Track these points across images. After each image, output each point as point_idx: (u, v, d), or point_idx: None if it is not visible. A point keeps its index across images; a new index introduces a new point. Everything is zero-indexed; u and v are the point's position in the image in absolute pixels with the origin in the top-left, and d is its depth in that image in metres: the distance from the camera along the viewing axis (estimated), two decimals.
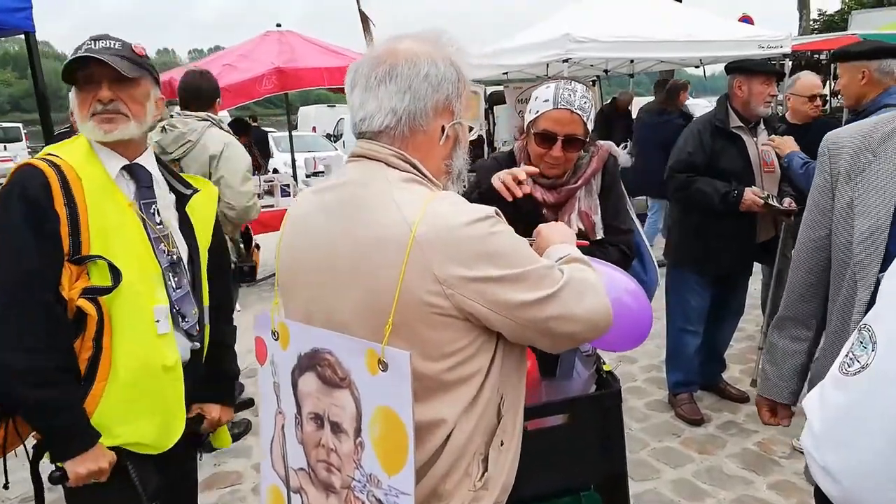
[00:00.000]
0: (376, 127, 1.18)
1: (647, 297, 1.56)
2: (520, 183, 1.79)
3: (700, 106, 13.49)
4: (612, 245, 1.99)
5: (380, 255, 1.09)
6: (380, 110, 1.17)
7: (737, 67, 3.40)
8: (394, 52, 1.17)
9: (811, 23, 19.20)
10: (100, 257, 1.51)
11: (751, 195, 3.24)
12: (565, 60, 7.08)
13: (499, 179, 1.83)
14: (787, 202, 3.35)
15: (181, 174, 1.86)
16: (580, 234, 1.95)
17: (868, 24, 12.55)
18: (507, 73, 8.75)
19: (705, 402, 3.79)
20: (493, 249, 1.08)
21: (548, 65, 8.10)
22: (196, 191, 1.82)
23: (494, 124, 13.06)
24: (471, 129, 1.31)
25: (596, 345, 1.74)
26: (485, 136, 12.25)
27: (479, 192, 2.04)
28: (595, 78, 10.91)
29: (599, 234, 2.01)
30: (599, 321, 1.20)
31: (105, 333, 1.52)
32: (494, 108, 12.75)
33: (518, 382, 1.29)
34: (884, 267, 1.35)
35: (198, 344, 1.75)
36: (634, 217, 2.20)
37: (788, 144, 3.28)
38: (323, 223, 1.20)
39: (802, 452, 3.09)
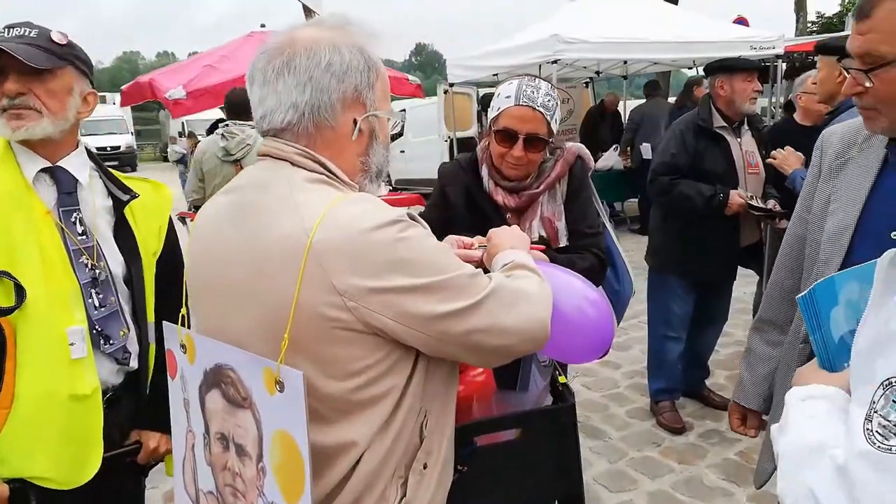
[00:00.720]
0: (277, 124, 1.08)
1: (608, 305, 1.45)
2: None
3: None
4: (584, 250, 1.89)
5: (275, 266, 0.99)
6: (280, 105, 1.07)
7: (717, 67, 3.31)
8: (292, 42, 1.07)
9: (809, 25, 19.13)
10: (3, 273, 1.36)
11: (737, 198, 3.14)
12: (554, 62, 7.01)
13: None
14: (772, 204, 3.25)
15: (127, 176, 1.70)
16: (542, 241, 1.85)
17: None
18: (496, 75, 8.65)
19: (688, 409, 3.69)
20: (400, 256, 0.97)
21: (539, 66, 8.03)
22: (134, 196, 1.63)
23: (486, 126, 13.01)
24: (394, 121, 1.21)
25: (552, 356, 1.64)
26: (477, 138, 12.21)
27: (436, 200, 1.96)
28: (588, 79, 10.84)
29: (563, 241, 1.90)
30: (532, 332, 1.10)
31: (7, 357, 1.37)
32: (487, 110, 12.71)
33: (447, 399, 1.19)
34: (844, 267, 1.27)
35: (134, 365, 1.61)
36: (606, 221, 2.09)
37: (792, 161, 3.11)
38: (221, 230, 1.10)
39: None
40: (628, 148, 8.45)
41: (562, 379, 1.65)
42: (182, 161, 15.20)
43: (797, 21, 18.02)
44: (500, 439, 1.60)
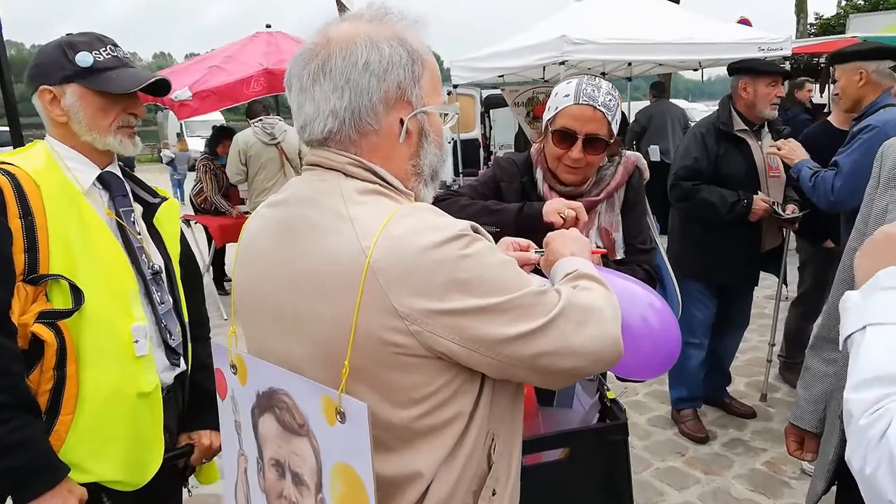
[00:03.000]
0: (318, 134, 0.99)
1: (672, 314, 1.37)
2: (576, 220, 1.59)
3: (697, 110, 13.39)
4: (637, 265, 1.80)
5: (331, 288, 0.91)
6: (318, 114, 0.98)
7: (742, 68, 3.24)
8: (327, 42, 0.98)
9: (808, 27, 19.13)
10: (60, 276, 1.34)
11: (761, 203, 3.08)
12: (562, 63, 6.94)
13: (559, 215, 1.61)
14: (791, 209, 3.19)
15: (146, 183, 1.70)
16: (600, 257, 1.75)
17: (866, 28, 12.46)
18: (502, 76, 8.58)
19: (709, 417, 3.62)
20: (466, 276, 0.89)
21: (544, 67, 7.96)
22: (164, 199, 1.68)
23: (491, 128, 12.95)
24: (449, 114, 1.09)
25: (617, 372, 1.55)
26: (480, 140, 12.14)
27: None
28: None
29: (619, 254, 1.82)
30: (604, 352, 1.01)
31: (69, 361, 1.36)
32: (491, 111, 12.65)
33: (514, 421, 1.11)
34: None
35: (183, 365, 1.61)
36: (657, 236, 2.00)
37: (798, 152, 3.08)
38: (270, 248, 1.02)
39: (809, 474, 2.95)
40: (634, 149, 8.39)
41: (610, 394, 1.58)
42: (171, 164, 15.37)
43: (797, 23, 18.01)
44: (546, 459, 1.53)
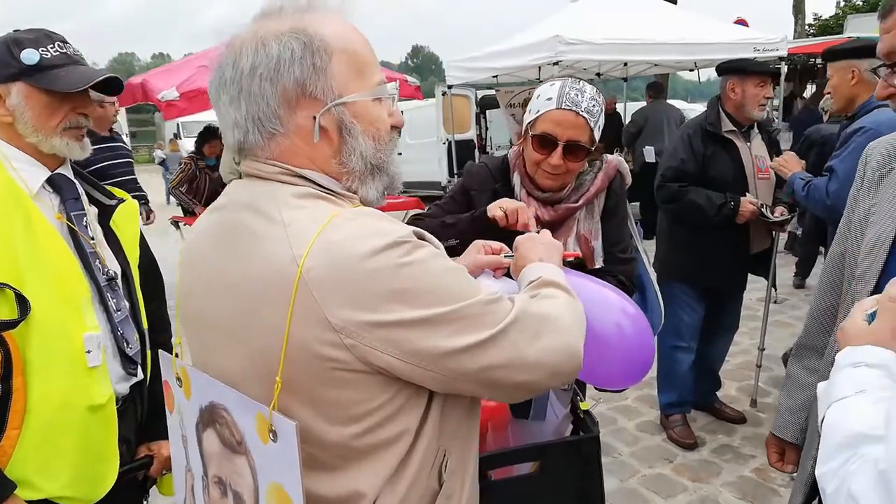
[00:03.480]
0: (232, 147, 0.96)
1: (647, 321, 1.32)
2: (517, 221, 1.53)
3: (696, 111, 13.29)
4: (611, 275, 1.73)
5: (263, 299, 0.86)
6: (227, 128, 0.94)
7: (730, 68, 3.18)
8: (226, 51, 0.93)
9: (806, 28, 19.09)
10: (4, 285, 1.28)
11: (748, 205, 3.03)
12: (556, 63, 6.90)
13: (500, 209, 1.57)
14: (779, 211, 3.15)
15: (103, 184, 1.63)
16: (577, 262, 1.67)
17: (864, 28, 12.42)
18: (496, 77, 8.54)
19: (699, 422, 3.57)
20: (405, 285, 0.84)
21: (539, 68, 7.92)
22: (121, 201, 1.61)
23: (487, 128, 12.91)
24: (379, 97, 0.97)
25: (591, 382, 1.50)
26: (476, 141, 12.09)
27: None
28: (588, 82, 10.73)
29: (599, 263, 1.75)
30: (561, 365, 0.96)
31: (15, 373, 1.29)
32: (487, 112, 12.60)
33: (468, 437, 1.06)
34: (881, 285, 1.17)
35: (140, 375, 1.55)
36: (639, 245, 1.94)
37: (791, 164, 3.03)
38: (208, 254, 0.97)
39: None
40: (629, 150, 8.34)
41: (584, 405, 1.52)
42: (163, 164, 15.56)
43: (795, 23, 17.98)
44: (517, 473, 1.48)
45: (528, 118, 1.72)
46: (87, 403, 1.37)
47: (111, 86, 1.46)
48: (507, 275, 1.31)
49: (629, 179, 1.85)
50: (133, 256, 1.62)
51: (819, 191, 2.77)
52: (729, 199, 3.04)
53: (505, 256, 1.32)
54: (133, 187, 4.25)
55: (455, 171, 10.17)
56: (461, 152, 10.24)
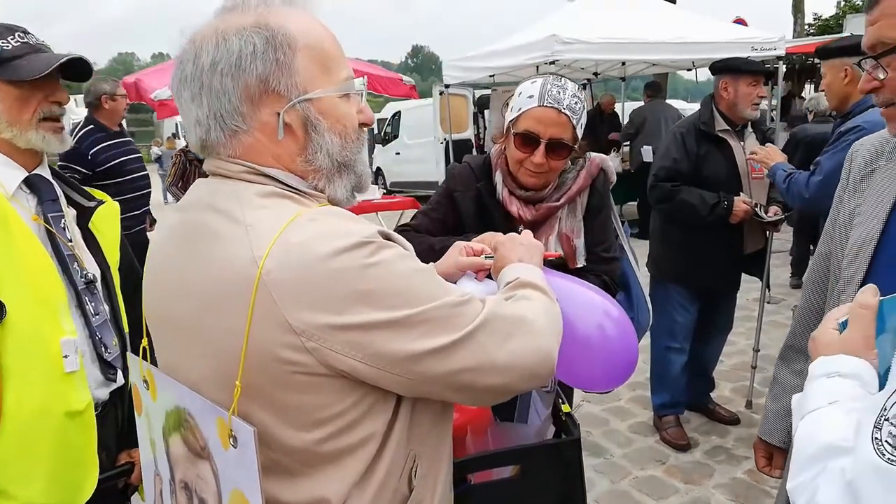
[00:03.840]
0: (195, 144, 0.94)
1: (630, 322, 1.30)
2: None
3: (695, 111, 13.29)
4: (594, 275, 1.71)
5: (222, 301, 0.84)
6: (189, 125, 0.92)
7: (723, 67, 3.16)
8: (187, 45, 0.91)
9: (806, 27, 19.07)
10: None
11: (741, 205, 3.02)
12: (552, 62, 6.88)
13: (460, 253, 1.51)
14: (773, 211, 3.13)
15: (83, 186, 1.60)
16: (557, 261, 1.65)
17: (863, 28, 12.39)
18: (493, 76, 8.51)
19: (692, 423, 3.55)
20: (370, 286, 0.81)
21: (537, 67, 7.89)
22: (100, 202, 1.58)
23: (485, 128, 12.88)
24: (346, 92, 0.95)
25: (570, 383, 1.48)
26: (474, 141, 12.07)
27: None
28: (586, 81, 10.71)
29: (581, 262, 1.73)
30: (534, 367, 0.94)
31: None
32: (484, 111, 12.58)
33: (440, 440, 1.04)
34: (865, 284, 1.16)
35: (121, 380, 1.51)
36: (625, 243, 1.91)
37: (773, 156, 3.01)
38: (171, 255, 0.95)
39: None
40: (627, 150, 8.32)
41: (565, 408, 1.50)
42: (158, 161, 15.66)
43: (795, 23, 17.95)
44: (497, 476, 1.45)
45: (509, 116, 1.71)
46: (64, 409, 1.34)
47: (79, 70, 1.41)
48: (490, 276, 1.30)
49: (614, 178, 1.83)
50: (113, 259, 1.59)
51: (799, 184, 2.76)
52: (722, 198, 3.02)
53: (485, 258, 1.31)
54: (146, 183, 4.21)
55: None
56: (459, 152, 10.20)
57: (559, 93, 1.62)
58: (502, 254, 1.23)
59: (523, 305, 1.00)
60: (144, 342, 1.06)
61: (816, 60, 11.44)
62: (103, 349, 1.46)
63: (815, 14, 21.44)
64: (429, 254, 1.58)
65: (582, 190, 1.75)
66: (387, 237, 0.88)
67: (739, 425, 3.51)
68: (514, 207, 1.72)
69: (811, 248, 6.27)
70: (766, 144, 3.10)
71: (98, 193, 1.61)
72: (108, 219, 1.60)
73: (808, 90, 11.55)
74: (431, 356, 0.85)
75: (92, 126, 3.95)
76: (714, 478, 3.07)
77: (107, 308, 1.51)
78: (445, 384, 0.88)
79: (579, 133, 1.67)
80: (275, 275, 0.80)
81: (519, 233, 1.67)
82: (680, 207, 3.09)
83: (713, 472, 3.12)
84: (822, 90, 2.98)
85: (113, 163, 3.87)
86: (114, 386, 1.51)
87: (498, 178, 1.76)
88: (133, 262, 1.72)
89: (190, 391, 0.90)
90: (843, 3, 20.83)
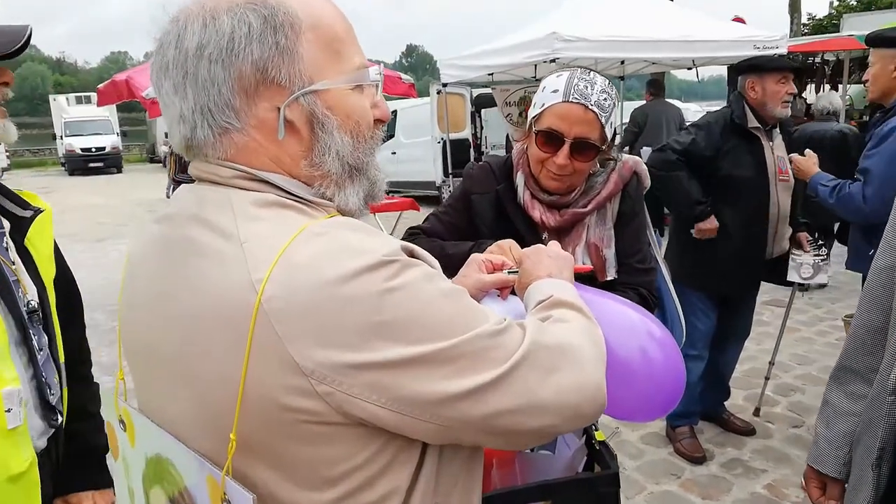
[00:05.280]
0: (178, 145, 0.78)
1: (676, 345, 1.14)
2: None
3: (691, 111, 13.18)
4: (630, 288, 1.55)
5: (211, 334, 0.69)
6: (172, 122, 0.78)
7: (747, 66, 3.02)
8: (171, 28, 0.76)
9: (801, 27, 19.04)
10: None
11: (709, 224, 2.95)
12: (552, 60, 6.76)
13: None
14: (803, 239, 3.07)
15: (13, 190, 1.33)
16: (587, 278, 1.43)
17: (861, 27, 12.34)
18: (492, 75, 8.37)
19: (706, 434, 3.41)
20: (392, 316, 0.67)
21: (536, 66, 7.76)
22: (39, 211, 1.31)
23: (482, 127, 12.73)
24: (359, 83, 0.80)
25: (613, 415, 1.30)
26: (471, 140, 11.93)
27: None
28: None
29: (611, 274, 1.56)
30: (582, 405, 0.79)
31: None
32: (482, 111, 12.43)
33: (469, 489, 0.88)
34: None
35: (59, 418, 1.28)
36: (659, 255, 1.74)
37: (809, 166, 2.85)
38: (151, 275, 0.80)
39: None
40: (627, 151, 8.19)
41: (599, 435, 1.35)
42: (165, 161, 15.62)
43: (791, 22, 17.92)
44: None
45: (532, 112, 1.55)
46: (5, 475, 1.11)
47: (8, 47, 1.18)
48: (513, 292, 1.14)
49: (648, 182, 1.67)
50: (48, 275, 1.33)
51: (854, 199, 2.58)
52: (706, 205, 2.93)
53: (508, 272, 1.15)
54: None
55: (450, 171, 10.01)
56: (456, 152, 10.08)
57: (587, 87, 1.47)
58: (528, 268, 1.07)
59: (563, 330, 0.85)
60: (121, 375, 0.90)
61: (817, 60, 11.38)
62: (48, 390, 1.23)
63: (810, 14, 21.44)
64: (441, 259, 1.42)
65: (612, 195, 1.59)
66: (411, 253, 0.73)
67: (755, 436, 3.37)
68: (537, 212, 1.56)
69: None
70: (805, 151, 2.96)
71: (31, 197, 1.34)
72: (41, 230, 1.33)
73: (810, 90, 11.47)
74: (467, 398, 0.70)
75: None
76: (733, 493, 2.93)
77: (45, 338, 1.27)
78: (481, 429, 0.73)
79: (608, 133, 1.51)
80: (277, 302, 0.65)
81: (545, 242, 1.52)
82: (668, 182, 2.95)
83: (731, 486, 2.98)
84: (866, 79, 2.76)
85: None
86: (52, 431, 1.27)
87: (519, 179, 1.60)
88: (68, 273, 1.46)
89: (175, 440, 0.75)
90: (837, 4, 20.84)
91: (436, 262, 0.78)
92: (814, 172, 2.83)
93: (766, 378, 3.58)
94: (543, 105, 1.51)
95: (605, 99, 1.48)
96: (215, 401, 0.69)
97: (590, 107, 1.46)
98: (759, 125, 2.96)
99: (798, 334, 4.84)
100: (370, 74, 0.82)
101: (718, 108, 3.22)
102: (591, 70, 1.54)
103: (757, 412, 3.59)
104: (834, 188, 2.69)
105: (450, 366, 0.69)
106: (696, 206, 2.94)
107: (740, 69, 3.06)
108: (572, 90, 1.47)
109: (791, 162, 2.96)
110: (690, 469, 3.12)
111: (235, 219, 0.71)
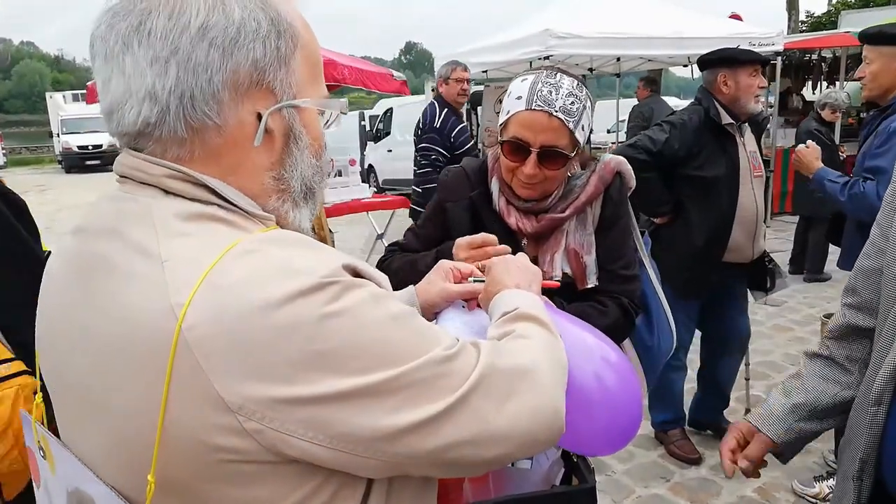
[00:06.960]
0: (130, 125, 0.69)
1: (634, 373, 1.08)
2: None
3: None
4: (611, 298, 1.50)
5: (126, 365, 0.63)
6: (130, 96, 0.68)
7: (719, 59, 2.89)
8: None
9: (799, 24, 19.01)
10: None
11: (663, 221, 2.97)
12: (546, 57, 6.72)
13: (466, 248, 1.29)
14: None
15: None
16: (559, 288, 1.37)
17: (859, 24, 12.32)
18: (486, 72, 8.34)
19: (694, 438, 3.37)
20: (331, 345, 0.61)
21: (530, 63, 7.72)
22: None
23: (478, 125, 12.68)
24: (330, 114, 0.80)
25: (563, 446, 1.24)
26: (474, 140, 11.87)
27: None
28: (581, 78, 10.55)
29: (592, 281, 1.50)
30: (538, 433, 0.74)
31: None
32: (477, 108, 12.38)
33: None
34: None
35: None
36: (646, 259, 1.67)
37: (811, 160, 2.76)
38: (62, 294, 0.74)
39: (805, 497, 2.71)
40: None
41: None
42: None
43: (789, 19, 17.89)
44: None
45: (501, 118, 1.49)
46: None
47: None
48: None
49: (632, 183, 1.59)
50: None
51: (869, 198, 2.47)
52: (668, 205, 2.93)
53: (474, 281, 1.11)
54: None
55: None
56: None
57: (550, 93, 1.40)
58: (495, 276, 1.03)
59: (521, 348, 0.80)
60: (39, 398, 0.84)
61: (814, 57, 11.35)
62: None
63: (808, 11, 21.39)
64: (410, 273, 1.38)
65: (593, 199, 1.53)
66: (354, 272, 0.68)
67: None
68: (513, 219, 1.51)
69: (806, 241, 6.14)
70: (807, 142, 2.86)
71: None
72: None
73: (806, 87, 11.45)
74: (414, 431, 0.65)
75: (447, 109, 4.63)
76: (722, 496, 2.91)
77: None
78: (431, 462, 0.69)
79: (580, 137, 1.44)
80: (200, 330, 0.60)
81: (522, 248, 1.47)
82: (637, 182, 2.90)
83: (720, 489, 2.96)
84: (862, 76, 2.65)
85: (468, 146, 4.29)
86: None
87: (494, 185, 1.55)
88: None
89: (92, 475, 0.70)
90: (834, 0, 20.79)
91: (385, 280, 0.73)
92: (817, 167, 2.74)
93: (746, 378, 3.54)
94: (509, 112, 1.45)
95: (571, 103, 1.41)
96: (132, 437, 0.64)
97: (554, 113, 1.39)
98: (731, 121, 2.88)
99: (791, 334, 4.81)
100: (341, 104, 0.81)
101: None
102: (559, 71, 1.47)
103: (747, 413, 3.56)
104: (845, 185, 2.59)
105: (396, 397, 0.64)
106: (658, 207, 2.94)
107: (711, 62, 2.92)
108: (535, 97, 1.40)
109: (795, 153, 2.86)
110: (680, 472, 3.10)
111: (157, 234, 0.65)
